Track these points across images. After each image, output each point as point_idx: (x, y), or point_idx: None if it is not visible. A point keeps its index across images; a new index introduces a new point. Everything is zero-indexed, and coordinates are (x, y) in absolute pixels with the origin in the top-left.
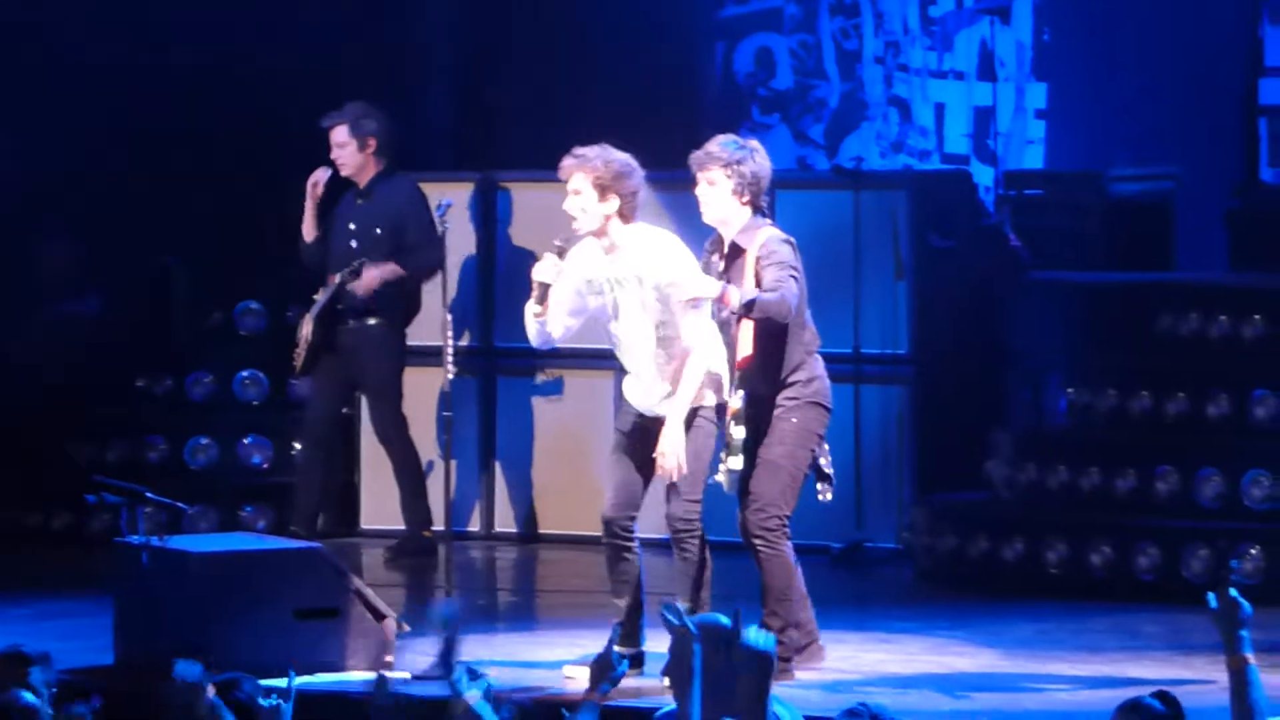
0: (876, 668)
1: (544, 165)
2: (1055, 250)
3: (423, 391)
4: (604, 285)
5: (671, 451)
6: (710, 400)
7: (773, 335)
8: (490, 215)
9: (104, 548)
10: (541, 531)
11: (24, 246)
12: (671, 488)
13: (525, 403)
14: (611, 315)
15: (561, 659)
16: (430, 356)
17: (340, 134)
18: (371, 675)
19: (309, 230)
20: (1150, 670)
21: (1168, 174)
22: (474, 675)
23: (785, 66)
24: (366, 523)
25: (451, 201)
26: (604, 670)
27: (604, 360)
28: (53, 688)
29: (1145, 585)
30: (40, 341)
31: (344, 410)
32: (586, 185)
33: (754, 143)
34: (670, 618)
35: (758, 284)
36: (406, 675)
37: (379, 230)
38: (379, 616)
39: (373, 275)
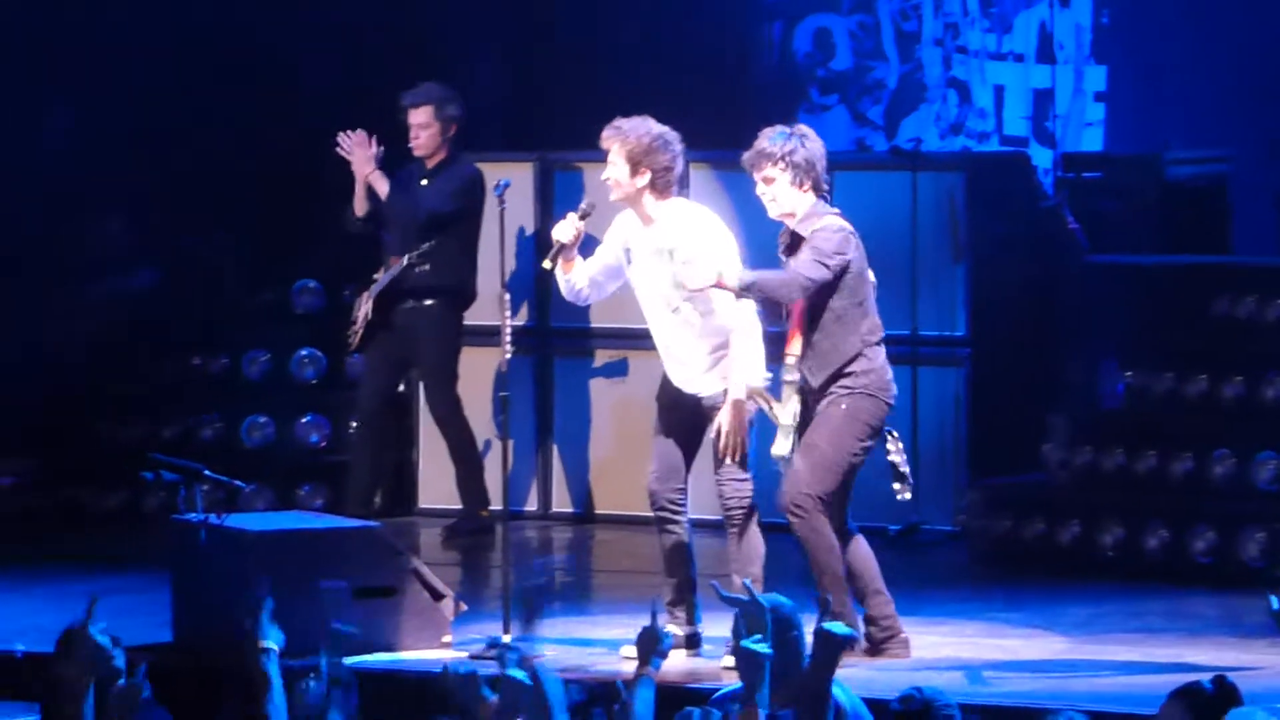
0: (931, 650)
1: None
2: (1113, 233)
3: (480, 371)
4: (635, 256)
5: (729, 431)
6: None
7: (826, 325)
8: (548, 195)
9: (159, 526)
10: (598, 512)
11: (78, 223)
12: (720, 466)
13: (582, 382)
14: (635, 287)
15: (619, 639)
16: (488, 336)
17: (423, 115)
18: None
19: (360, 205)
20: (1206, 654)
21: (1225, 156)
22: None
23: (844, 48)
24: (424, 502)
25: (510, 182)
26: (650, 644)
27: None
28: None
29: (1201, 568)
30: (96, 318)
31: (399, 389)
32: (619, 158)
33: (802, 127)
34: (739, 596)
35: None
36: (464, 655)
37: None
38: (437, 596)
39: None
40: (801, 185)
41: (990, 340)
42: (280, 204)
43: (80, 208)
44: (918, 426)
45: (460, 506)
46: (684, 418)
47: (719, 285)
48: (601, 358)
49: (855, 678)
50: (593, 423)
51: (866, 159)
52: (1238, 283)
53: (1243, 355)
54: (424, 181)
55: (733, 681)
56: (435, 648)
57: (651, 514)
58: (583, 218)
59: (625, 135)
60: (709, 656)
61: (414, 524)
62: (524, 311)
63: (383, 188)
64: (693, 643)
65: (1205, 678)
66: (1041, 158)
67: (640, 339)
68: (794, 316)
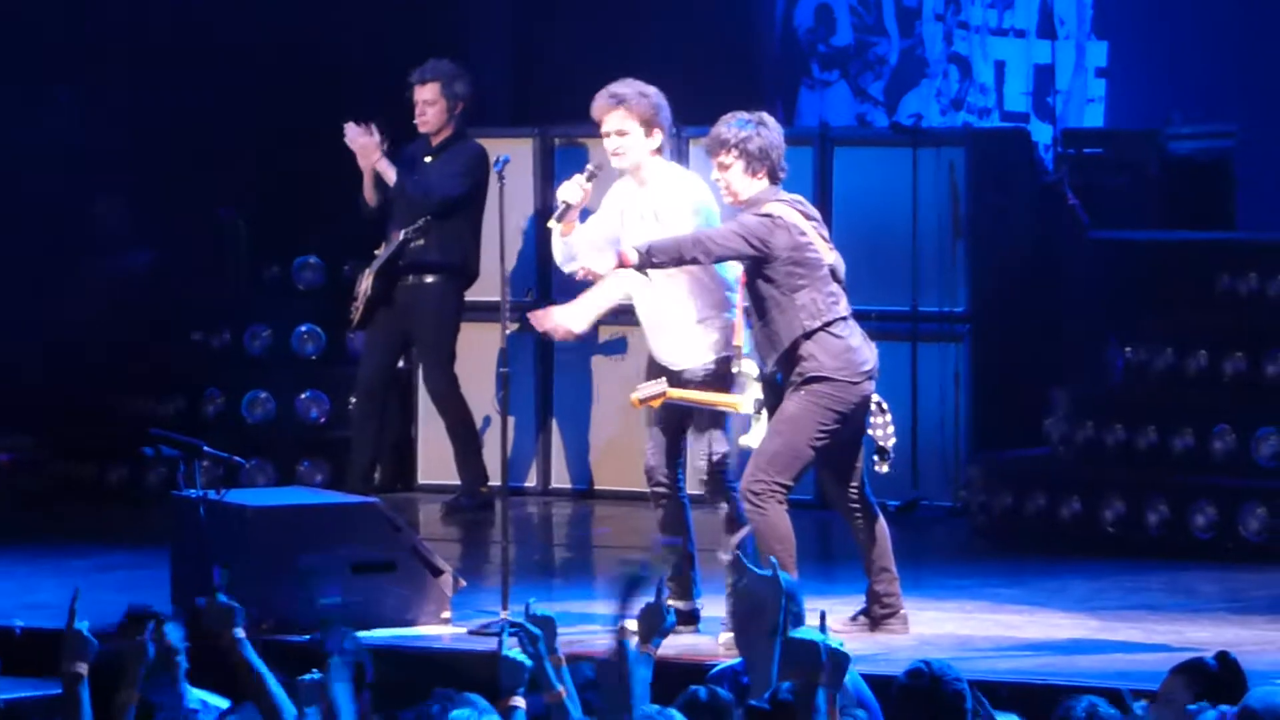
0: (933, 626)
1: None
2: (1114, 209)
3: (481, 347)
4: (627, 219)
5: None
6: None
7: (764, 314)
8: (548, 171)
9: (160, 501)
10: (598, 488)
11: (80, 199)
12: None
13: (583, 359)
14: None
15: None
16: (488, 312)
17: (430, 91)
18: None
19: (370, 194)
20: (1207, 630)
21: (1227, 131)
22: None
23: (845, 23)
24: (423, 478)
25: (509, 157)
26: (653, 622)
27: None
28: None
29: (1202, 544)
30: (98, 295)
31: (399, 365)
32: (631, 122)
33: (763, 115)
34: (760, 569)
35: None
36: (462, 630)
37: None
38: (436, 571)
39: None
40: (755, 173)
41: (990, 316)
42: (281, 180)
43: (83, 184)
44: (918, 402)
45: (459, 482)
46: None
47: (622, 263)
48: (603, 334)
49: (856, 654)
50: (593, 399)
51: (867, 135)
52: (1240, 259)
53: (1244, 331)
54: (428, 159)
55: (730, 658)
56: (435, 623)
57: (648, 490)
58: (589, 179)
59: (629, 100)
60: (706, 633)
61: (414, 500)
62: (526, 289)
63: (390, 175)
64: (690, 619)
65: (1208, 653)
66: (1042, 133)
67: (628, 318)
68: (737, 308)
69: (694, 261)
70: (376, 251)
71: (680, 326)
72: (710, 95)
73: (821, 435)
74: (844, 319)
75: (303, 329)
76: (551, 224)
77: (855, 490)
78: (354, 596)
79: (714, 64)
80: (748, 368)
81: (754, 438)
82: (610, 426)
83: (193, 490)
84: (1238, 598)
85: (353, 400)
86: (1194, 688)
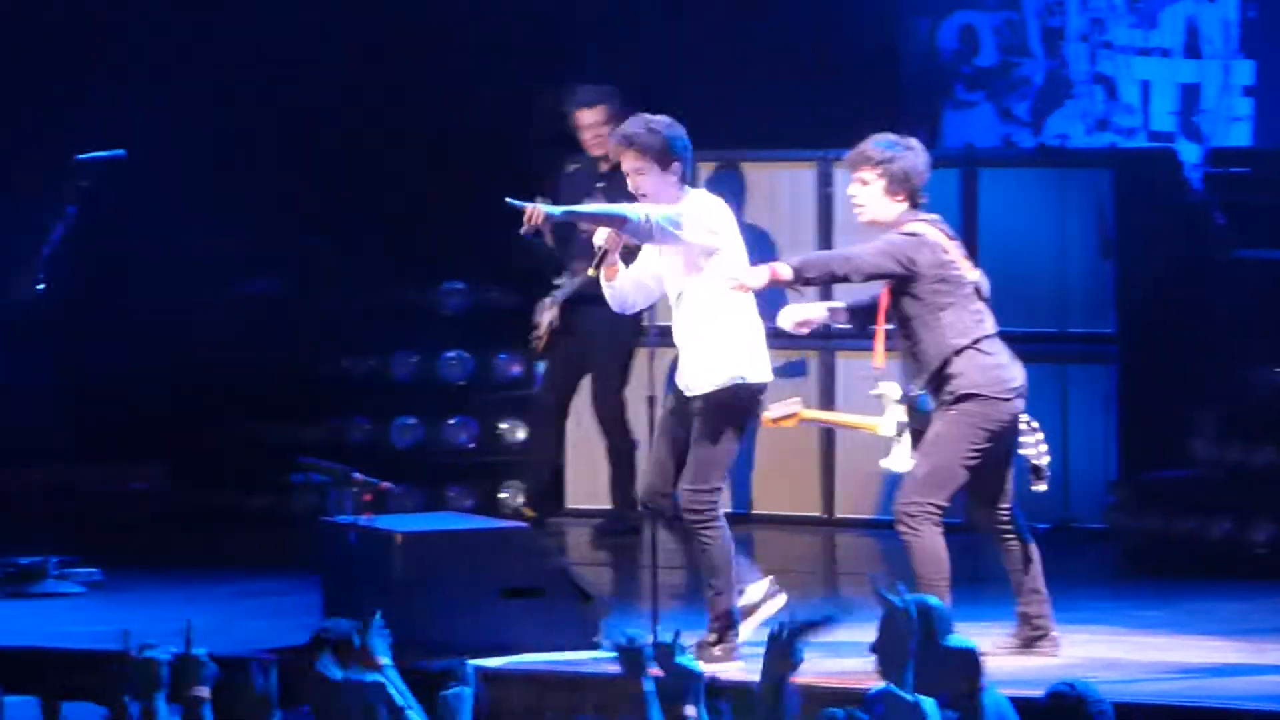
0: (1082, 648)
1: (744, 144)
2: (1261, 227)
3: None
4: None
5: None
6: (750, 377)
7: (912, 333)
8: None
9: (306, 527)
10: (755, 512)
11: (226, 224)
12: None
13: None
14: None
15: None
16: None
17: (598, 114)
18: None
19: (550, 239)
20: None
21: None
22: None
23: (989, 44)
24: (572, 502)
25: None
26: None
27: (840, 340)
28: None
29: None
30: (245, 321)
31: (574, 393)
32: (646, 161)
33: (911, 140)
34: (890, 596)
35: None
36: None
37: None
38: (586, 597)
39: None
40: (895, 195)
41: (1139, 336)
42: (428, 206)
43: (231, 207)
44: (1067, 423)
45: (609, 506)
46: (683, 421)
47: (774, 279)
48: (778, 357)
49: (1001, 673)
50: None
51: (1013, 156)
52: None
53: None
54: (600, 185)
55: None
56: (585, 649)
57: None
58: None
59: (637, 139)
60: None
61: (562, 524)
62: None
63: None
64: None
65: None
66: (1189, 153)
67: (820, 339)
68: (877, 330)
69: (844, 279)
70: (557, 281)
71: (694, 347)
72: (854, 117)
73: (974, 454)
74: (991, 336)
75: (449, 355)
76: (590, 272)
77: (1005, 512)
78: (503, 621)
79: (858, 85)
80: (889, 390)
81: (894, 461)
82: (767, 448)
83: (342, 516)
84: None
85: (501, 425)
86: None
